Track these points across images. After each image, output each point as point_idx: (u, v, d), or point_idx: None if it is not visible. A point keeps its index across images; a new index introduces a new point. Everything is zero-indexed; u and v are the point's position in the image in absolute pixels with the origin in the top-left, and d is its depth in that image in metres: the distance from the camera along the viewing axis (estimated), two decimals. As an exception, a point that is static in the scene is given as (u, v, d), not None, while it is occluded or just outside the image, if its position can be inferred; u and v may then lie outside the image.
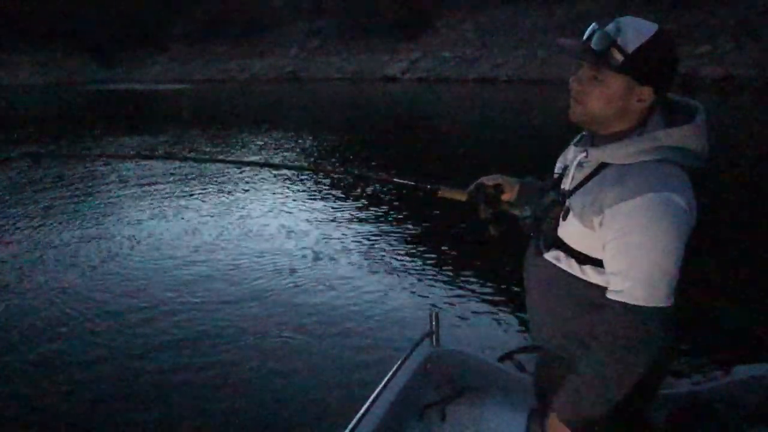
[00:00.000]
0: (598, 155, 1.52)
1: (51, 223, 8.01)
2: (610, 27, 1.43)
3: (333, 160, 13.15)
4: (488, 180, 1.98)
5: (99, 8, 66.77)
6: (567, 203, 1.58)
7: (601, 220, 1.46)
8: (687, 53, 33.87)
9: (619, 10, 41.23)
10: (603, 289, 1.52)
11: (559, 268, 1.60)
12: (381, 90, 39.97)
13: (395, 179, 2.18)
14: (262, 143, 16.24)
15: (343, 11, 59.22)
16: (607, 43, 1.41)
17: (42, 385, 3.94)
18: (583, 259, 1.55)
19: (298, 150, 14.93)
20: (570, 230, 1.56)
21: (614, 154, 1.48)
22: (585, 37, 1.48)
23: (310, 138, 17.28)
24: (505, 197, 1.96)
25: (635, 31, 1.40)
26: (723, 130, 15.39)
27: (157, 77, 63.92)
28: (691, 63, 33.08)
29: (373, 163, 12.66)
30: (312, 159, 13.31)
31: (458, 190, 2.02)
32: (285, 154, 14.31)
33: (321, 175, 10.74)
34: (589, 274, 1.55)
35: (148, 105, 34.10)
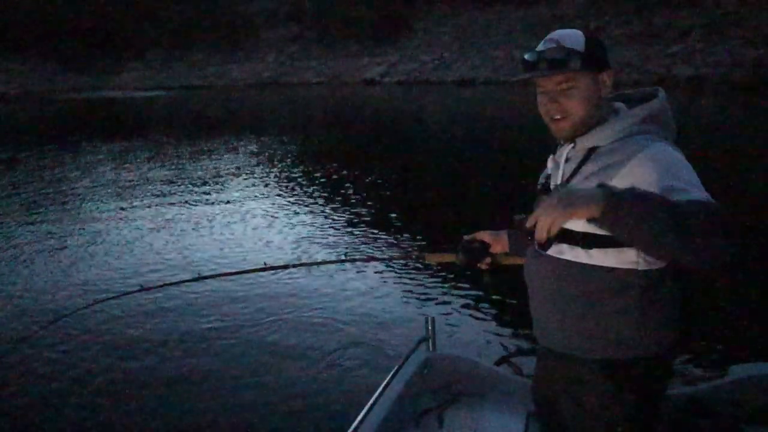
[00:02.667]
0: (586, 142, 1.60)
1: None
2: (552, 43, 1.57)
3: (318, 171, 13.11)
4: (470, 237, 2.02)
5: (72, 14, 66.00)
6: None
7: (613, 185, 1.43)
8: (659, 53, 34.53)
9: (593, 12, 41.94)
10: (612, 271, 1.53)
11: (564, 260, 1.60)
12: (361, 93, 40.03)
13: (381, 258, 2.29)
14: (245, 150, 16.14)
15: (321, 16, 59.29)
16: (565, 52, 1.53)
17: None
18: (588, 242, 1.54)
19: (281, 158, 14.87)
20: None
21: (601, 136, 1.57)
22: (535, 60, 1.56)
23: (293, 145, 17.23)
24: (497, 249, 2.00)
25: (573, 35, 1.57)
26: (697, 127, 15.65)
27: (134, 84, 63.21)
28: (664, 62, 33.69)
29: (357, 172, 12.65)
30: (298, 169, 13.23)
31: (446, 254, 2.06)
32: (268, 162, 14.26)
33: (317, 188, 10.66)
34: (596, 257, 1.54)
35: (124, 113, 33.74)
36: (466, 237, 2.01)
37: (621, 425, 1.57)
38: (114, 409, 3.73)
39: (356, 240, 7.30)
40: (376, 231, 7.63)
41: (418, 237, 7.20)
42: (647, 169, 1.42)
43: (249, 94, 45.16)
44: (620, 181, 1.45)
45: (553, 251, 1.63)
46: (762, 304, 4.87)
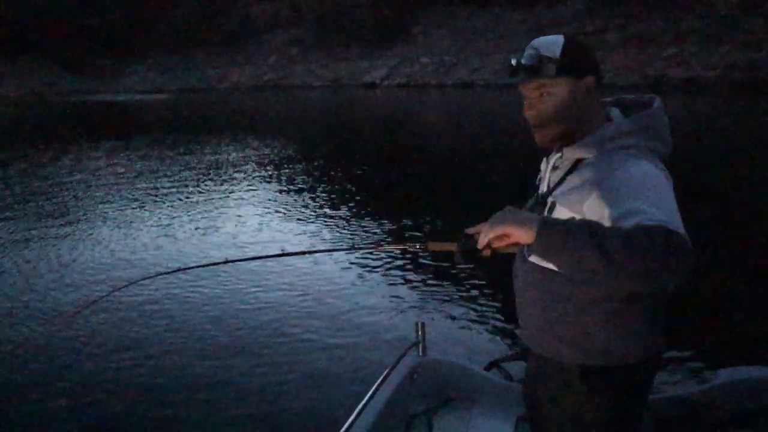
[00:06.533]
0: (572, 153, 1.59)
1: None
2: (530, 50, 1.57)
3: (323, 177, 13.14)
4: (473, 230, 2.03)
5: (74, 18, 66.09)
6: (550, 199, 1.61)
7: (591, 201, 1.47)
8: (655, 56, 34.62)
9: (590, 16, 41.98)
10: (586, 283, 1.53)
11: (544, 268, 1.61)
12: (362, 97, 40.03)
13: (387, 246, 2.27)
14: (244, 154, 16.12)
15: (322, 20, 59.35)
16: (537, 58, 1.53)
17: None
18: None
19: (281, 163, 14.87)
20: None
21: (587, 148, 1.55)
22: (514, 67, 1.58)
23: (293, 149, 17.22)
24: None
25: (551, 41, 1.55)
26: (691, 128, 15.65)
27: (135, 87, 63.32)
28: (660, 65, 33.79)
29: (359, 172, 12.67)
30: (299, 175, 13.20)
31: (448, 243, 2.09)
32: (268, 164, 14.26)
33: (312, 198, 10.67)
34: None
35: (126, 115, 33.76)
36: (467, 230, 2.04)
37: (596, 429, 1.60)
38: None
39: (361, 234, 7.47)
40: (378, 227, 7.79)
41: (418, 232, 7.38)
42: (616, 191, 1.40)
43: (250, 97, 45.19)
44: (595, 200, 1.45)
45: (535, 258, 1.64)
46: (748, 308, 4.88)
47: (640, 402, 1.66)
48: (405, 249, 2.13)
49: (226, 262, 2.30)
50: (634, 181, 1.40)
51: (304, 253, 2.34)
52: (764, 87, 26.04)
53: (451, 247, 2.04)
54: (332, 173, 12.64)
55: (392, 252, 6.47)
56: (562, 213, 1.55)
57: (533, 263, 1.65)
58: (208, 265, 2.44)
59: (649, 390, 1.69)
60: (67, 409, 3.79)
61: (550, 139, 1.60)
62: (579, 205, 1.51)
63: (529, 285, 1.68)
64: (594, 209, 1.46)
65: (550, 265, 1.58)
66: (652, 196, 1.36)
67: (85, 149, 17.43)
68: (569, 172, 1.59)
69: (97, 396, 3.93)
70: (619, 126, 1.54)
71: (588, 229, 1.24)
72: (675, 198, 1.42)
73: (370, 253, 6.54)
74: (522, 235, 1.30)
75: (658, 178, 1.44)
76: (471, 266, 5.92)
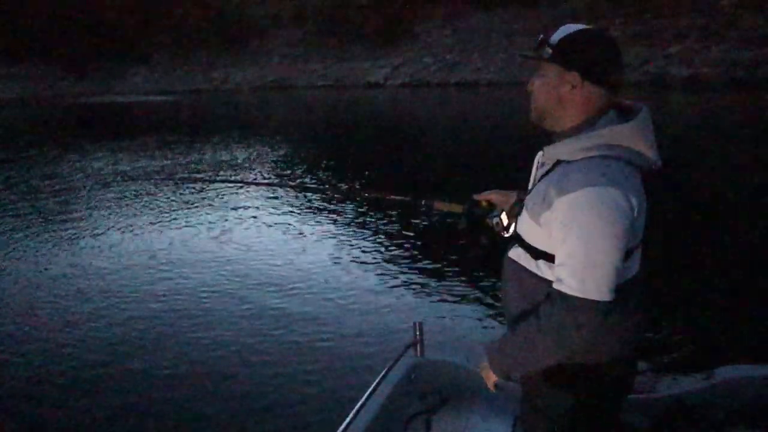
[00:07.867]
0: (552, 152, 1.59)
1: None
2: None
3: (326, 173, 13.13)
4: (480, 196, 2.03)
5: (76, 20, 66.26)
6: (525, 202, 1.65)
7: (548, 216, 1.52)
8: (658, 54, 34.66)
9: (591, 14, 41.92)
10: (552, 284, 1.55)
11: (519, 264, 1.66)
12: (365, 96, 40.09)
13: (392, 196, 2.28)
14: (247, 154, 16.14)
15: (324, 20, 59.45)
16: (541, 41, 1.60)
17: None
18: (537, 254, 1.59)
19: (290, 161, 14.88)
20: (524, 227, 1.64)
21: (564, 150, 1.55)
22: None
23: (301, 148, 17.24)
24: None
25: (564, 30, 1.58)
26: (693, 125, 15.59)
27: (139, 89, 63.49)
28: (662, 63, 33.82)
29: (367, 173, 12.68)
30: (308, 172, 13.21)
31: (455, 204, 2.08)
32: (275, 167, 14.27)
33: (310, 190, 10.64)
34: (543, 269, 1.59)
35: (129, 117, 33.83)
36: (475, 196, 2.03)
37: (559, 424, 1.63)
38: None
39: (364, 232, 7.49)
40: (382, 224, 7.86)
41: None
42: (563, 224, 1.47)
43: (254, 98, 45.29)
44: (546, 219, 1.52)
45: (513, 254, 1.69)
46: (746, 307, 4.86)
47: (609, 400, 1.68)
48: (413, 202, 2.13)
49: (245, 183, 2.27)
50: (578, 217, 1.44)
51: (299, 186, 2.31)
52: (766, 84, 25.96)
53: (458, 208, 2.05)
54: (336, 172, 12.63)
55: (391, 245, 6.44)
56: (526, 221, 1.62)
57: (511, 258, 1.70)
58: (221, 181, 2.41)
59: (622, 390, 1.70)
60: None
61: (534, 117, 1.66)
62: (537, 218, 1.56)
63: (507, 279, 1.72)
64: (545, 227, 1.54)
65: (524, 263, 1.64)
66: (581, 254, 1.44)
67: (88, 150, 17.47)
68: (548, 172, 1.60)
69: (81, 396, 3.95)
70: (597, 135, 1.51)
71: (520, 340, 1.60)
72: (622, 232, 1.44)
73: (370, 240, 6.50)
74: (494, 375, 1.75)
75: (604, 216, 1.43)
76: (469, 265, 5.92)
